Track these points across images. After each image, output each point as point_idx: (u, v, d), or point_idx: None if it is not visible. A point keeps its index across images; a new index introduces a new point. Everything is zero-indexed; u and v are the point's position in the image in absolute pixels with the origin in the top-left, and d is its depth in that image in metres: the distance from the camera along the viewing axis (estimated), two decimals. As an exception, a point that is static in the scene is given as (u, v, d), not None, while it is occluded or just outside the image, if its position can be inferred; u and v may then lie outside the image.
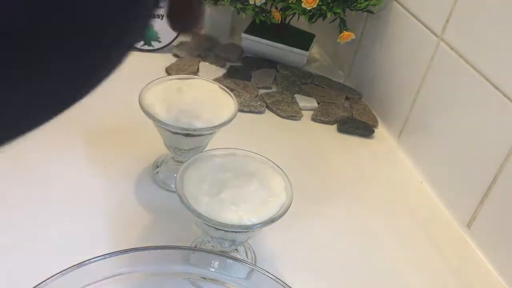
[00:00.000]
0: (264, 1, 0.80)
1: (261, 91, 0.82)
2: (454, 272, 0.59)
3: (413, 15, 0.74)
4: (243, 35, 0.88)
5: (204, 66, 0.86)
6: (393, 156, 0.76)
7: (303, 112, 0.80)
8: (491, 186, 0.61)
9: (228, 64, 0.87)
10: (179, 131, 0.55)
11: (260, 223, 0.46)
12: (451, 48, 0.66)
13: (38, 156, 0.62)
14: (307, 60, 0.89)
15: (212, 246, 0.52)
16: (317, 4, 0.76)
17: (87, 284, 0.42)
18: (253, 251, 0.56)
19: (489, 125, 0.61)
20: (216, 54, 0.89)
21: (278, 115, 0.79)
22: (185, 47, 0.88)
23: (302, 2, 0.76)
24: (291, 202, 0.48)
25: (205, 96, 0.58)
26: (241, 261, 0.46)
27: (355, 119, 0.80)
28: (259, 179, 0.50)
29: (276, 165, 0.51)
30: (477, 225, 0.63)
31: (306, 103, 0.82)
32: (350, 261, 0.58)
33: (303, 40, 0.90)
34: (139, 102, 0.55)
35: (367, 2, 0.79)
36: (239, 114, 0.58)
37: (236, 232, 0.48)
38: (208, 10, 0.88)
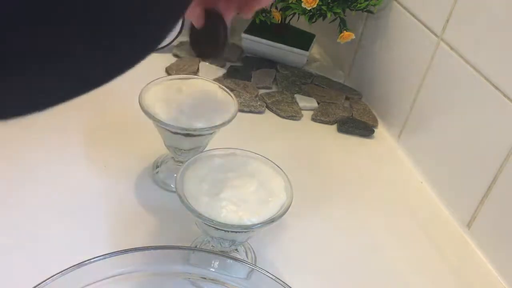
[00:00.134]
0: (264, 1, 0.80)
1: (261, 91, 0.82)
2: (454, 272, 0.59)
3: (413, 15, 0.73)
4: (243, 35, 0.88)
5: (204, 66, 0.86)
6: (393, 156, 0.76)
7: (303, 112, 0.80)
8: (491, 186, 0.61)
9: (228, 64, 0.87)
10: (179, 131, 0.55)
11: (260, 223, 0.46)
12: (451, 48, 0.66)
13: (38, 156, 0.62)
14: (307, 60, 0.89)
15: (212, 246, 0.52)
16: (317, 4, 0.76)
17: (87, 284, 0.42)
18: (253, 251, 0.56)
19: (489, 125, 0.61)
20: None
21: (278, 115, 0.79)
22: (185, 47, 0.87)
23: (302, 2, 0.76)
24: (291, 202, 0.48)
25: (205, 96, 0.58)
26: (241, 261, 0.46)
27: (355, 119, 0.80)
28: (259, 179, 0.49)
29: (276, 165, 0.51)
30: (477, 225, 0.63)
31: (306, 103, 0.82)
32: (350, 261, 0.58)
33: (303, 40, 0.90)
34: (139, 102, 0.55)
35: (367, 2, 0.79)
36: (239, 114, 0.58)
37: (236, 232, 0.48)
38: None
